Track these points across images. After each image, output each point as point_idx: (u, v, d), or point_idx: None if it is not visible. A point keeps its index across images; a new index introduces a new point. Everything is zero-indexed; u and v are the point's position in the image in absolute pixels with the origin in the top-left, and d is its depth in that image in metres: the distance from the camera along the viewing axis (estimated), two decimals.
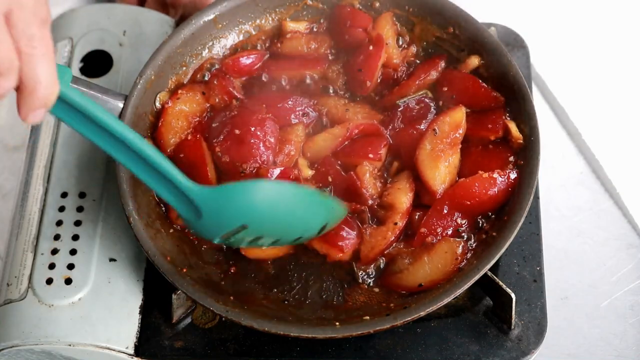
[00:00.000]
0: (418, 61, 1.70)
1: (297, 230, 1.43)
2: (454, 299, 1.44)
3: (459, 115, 1.56)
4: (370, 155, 1.58)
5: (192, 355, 1.52)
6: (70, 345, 1.50)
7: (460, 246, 1.49)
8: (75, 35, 1.80)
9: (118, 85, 1.74)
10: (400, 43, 1.71)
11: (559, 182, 1.79)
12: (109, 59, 1.78)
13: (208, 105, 1.65)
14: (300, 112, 1.62)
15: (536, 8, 2.01)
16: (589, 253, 1.70)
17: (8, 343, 1.51)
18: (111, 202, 1.62)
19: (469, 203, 1.50)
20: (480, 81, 1.61)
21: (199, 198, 1.32)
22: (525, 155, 1.53)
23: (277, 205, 1.36)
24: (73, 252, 1.57)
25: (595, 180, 1.79)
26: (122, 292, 1.55)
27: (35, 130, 1.73)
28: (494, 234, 1.48)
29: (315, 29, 1.74)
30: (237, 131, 1.57)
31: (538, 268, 1.58)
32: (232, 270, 1.55)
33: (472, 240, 1.51)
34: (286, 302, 1.52)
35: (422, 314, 1.41)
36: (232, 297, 1.49)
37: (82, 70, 1.77)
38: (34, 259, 1.57)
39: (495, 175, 1.50)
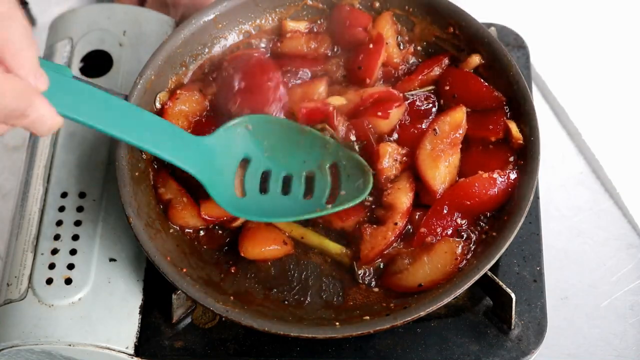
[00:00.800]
0: (420, 60, 1.70)
1: (298, 160, 1.56)
2: (454, 299, 1.43)
3: (460, 115, 1.56)
4: (379, 113, 1.58)
5: (192, 355, 1.52)
6: (70, 345, 1.50)
7: (460, 246, 1.49)
8: (75, 35, 1.80)
9: (118, 85, 1.74)
10: (400, 42, 1.71)
11: (559, 182, 1.79)
12: (109, 59, 1.78)
13: (207, 103, 1.65)
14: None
15: (536, 8, 2.01)
16: (589, 253, 1.71)
17: (8, 343, 1.51)
18: (111, 202, 1.62)
19: (468, 203, 1.50)
20: (482, 80, 1.61)
21: (207, 144, 1.50)
22: (525, 155, 1.53)
23: (269, 134, 1.56)
24: (73, 252, 1.57)
25: (595, 180, 1.79)
26: (122, 292, 1.55)
27: None
28: (494, 234, 1.48)
29: (315, 29, 1.74)
30: (243, 83, 1.60)
31: (538, 268, 1.58)
32: (232, 270, 1.55)
33: (472, 241, 1.51)
34: (286, 302, 1.52)
35: (422, 314, 1.41)
36: (232, 297, 1.49)
37: (82, 70, 1.77)
38: (34, 259, 1.57)
39: (495, 175, 1.50)
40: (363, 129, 1.58)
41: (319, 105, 1.59)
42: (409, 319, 1.41)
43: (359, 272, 1.52)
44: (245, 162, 1.56)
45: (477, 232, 1.52)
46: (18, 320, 1.51)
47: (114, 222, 1.61)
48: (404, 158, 1.56)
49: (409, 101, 1.63)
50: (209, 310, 1.49)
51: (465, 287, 1.42)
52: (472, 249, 1.50)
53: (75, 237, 1.59)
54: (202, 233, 1.57)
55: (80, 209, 1.62)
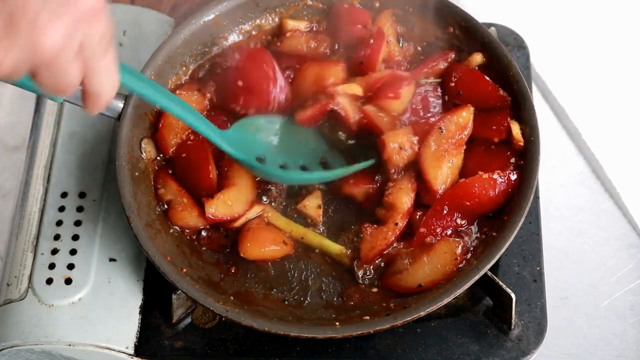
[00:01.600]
0: (421, 57, 1.70)
1: (308, 150, 1.61)
2: (454, 299, 1.44)
3: (467, 115, 1.55)
4: (390, 95, 1.58)
5: (192, 355, 1.52)
6: (70, 345, 1.50)
7: (460, 246, 1.49)
8: None
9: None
10: (400, 38, 1.71)
11: (559, 182, 1.79)
12: None
13: (207, 103, 1.65)
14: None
15: (536, 8, 2.01)
16: (589, 253, 1.70)
17: (8, 343, 1.51)
18: (111, 202, 1.62)
19: (468, 203, 1.50)
20: (488, 78, 1.61)
21: (228, 138, 1.56)
22: (525, 155, 1.53)
23: (274, 133, 1.62)
24: (73, 252, 1.58)
25: (595, 180, 1.79)
26: (122, 292, 1.55)
27: (35, 130, 1.73)
28: (494, 234, 1.48)
29: (315, 28, 1.74)
30: (240, 83, 1.61)
31: (538, 268, 1.58)
32: (232, 270, 1.55)
33: (472, 241, 1.51)
34: (286, 302, 1.52)
35: (422, 314, 1.41)
36: (232, 297, 1.49)
37: None
38: (34, 259, 1.57)
39: (495, 176, 1.50)
40: (374, 117, 1.58)
41: (316, 110, 1.59)
42: (409, 319, 1.41)
43: (359, 273, 1.52)
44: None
45: (477, 233, 1.52)
46: (18, 320, 1.51)
47: (114, 222, 1.61)
48: (414, 146, 1.55)
49: (422, 89, 1.63)
50: (209, 310, 1.49)
51: (465, 287, 1.42)
52: (472, 249, 1.50)
53: (75, 237, 1.59)
54: (202, 234, 1.57)
55: (80, 209, 1.62)
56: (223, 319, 1.51)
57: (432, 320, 1.53)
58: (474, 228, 1.52)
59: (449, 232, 1.51)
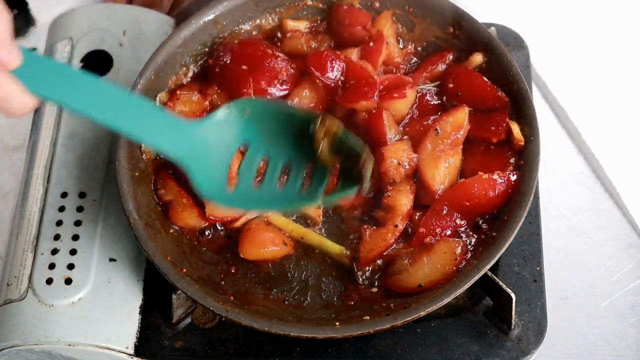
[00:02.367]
0: (420, 60, 1.70)
1: (298, 147, 1.46)
2: (454, 299, 1.43)
3: (462, 115, 1.56)
4: (395, 95, 1.59)
5: (192, 355, 1.52)
6: (70, 345, 1.50)
7: (459, 247, 1.48)
8: (75, 35, 1.80)
9: (118, 85, 1.73)
10: (400, 39, 1.71)
11: (559, 182, 1.79)
12: (109, 59, 1.78)
13: (207, 103, 1.65)
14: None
15: (536, 8, 2.01)
16: (589, 253, 1.71)
17: (8, 343, 1.51)
18: (111, 202, 1.62)
19: (468, 204, 1.50)
20: (486, 79, 1.61)
21: (199, 127, 1.38)
22: (525, 155, 1.53)
23: (268, 120, 1.46)
24: (73, 252, 1.58)
25: (595, 180, 1.79)
26: (122, 292, 1.55)
27: (35, 130, 1.73)
28: (494, 234, 1.48)
29: (315, 29, 1.74)
30: (244, 67, 1.62)
31: (538, 268, 1.58)
32: (232, 270, 1.55)
33: (471, 241, 1.51)
34: (286, 302, 1.52)
35: (422, 314, 1.41)
36: (232, 297, 1.49)
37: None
38: (34, 259, 1.57)
39: (495, 176, 1.50)
40: (378, 119, 1.58)
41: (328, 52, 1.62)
42: (409, 319, 1.41)
43: (359, 273, 1.52)
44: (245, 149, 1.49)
45: (476, 233, 1.52)
46: (18, 320, 1.51)
47: (114, 222, 1.61)
48: (412, 162, 1.55)
49: (418, 95, 1.64)
50: (209, 310, 1.49)
51: (465, 287, 1.42)
52: (472, 249, 1.50)
53: (75, 237, 1.59)
54: (202, 234, 1.57)
55: (80, 209, 1.62)
56: (223, 319, 1.51)
57: (432, 320, 1.53)
58: (474, 229, 1.52)
59: (449, 232, 1.51)
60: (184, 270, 1.49)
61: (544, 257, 1.59)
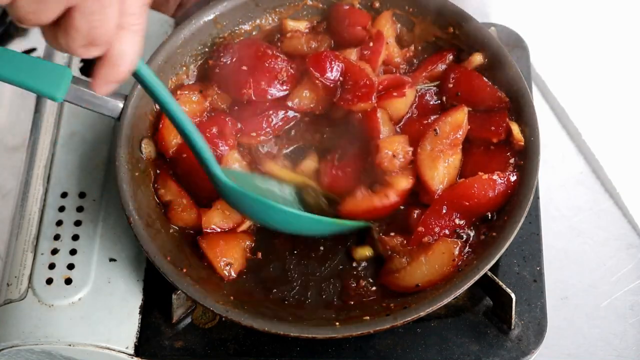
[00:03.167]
0: (420, 60, 1.69)
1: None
2: (454, 299, 1.44)
3: (461, 116, 1.56)
4: (395, 94, 1.59)
5: (192, 355, 1.52)
6: (70, 345, 1.50)
7: (458, 247, 1.48)
8: None
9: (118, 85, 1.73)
10: (400, 40, 1.71)
11: (559, 182, 1.79)
12: None
13: (207, 104, 1.65)
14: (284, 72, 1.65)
15: (536, 8, 2.01)
16: (589, 253, 1.70)
17: (8, 343, 1.51)
18: (111, 202, 1.62)
19: (467, 204, 1.50)
20: (486, 80, 1.61)
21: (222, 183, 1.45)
22: (525, 155, 1.53)
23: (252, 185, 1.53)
24: (73, 252, 1.58)
25: (595, 180, 1.79)
26: (122, 292, 1.55)
27: (35, 130, 1.73)
28: (494, 234, 1.48)
29: (315, 29, 1.74)
30: (244, 67, 1.62)
31: (538, 268, 1.58)
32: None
33: (470, 242, 1.51)
34: (286, 302, 1.52)
35: (422, 314, 1.41)
36: (232, 297, 1.49)
37: (82, 70, 1.77)
38: (34, 259, 1.57)
39: (495, 177, 1.50)
40: (372, 117, 1.58)
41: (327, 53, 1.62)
42: (409, 319, 1.41)
43: (354, 264, 1.54)
44: None
45: (475, 233, 1.52)
46: (18, 320, 1.51)
47: (114, 222, 1.61)
48: (407, 156, 1.56)
49: (418, 94, 1.64)
50: (209, 310, 1.49)
51: (465, 287, 1.42)
52: (470, 250, 1.50)
53: (75, 237, 1.59)
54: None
55: (80, 209, 1.62)
56: (223, 319, 1.51)
57: (432, 320, 1.53)
58: (473, 229, 1.52)
59: (447, 232, 1.51)
60: (184, 270, 1.49)
61: (544, 257, 1.59)
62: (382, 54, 1.66)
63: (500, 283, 1.49)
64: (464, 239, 1.51)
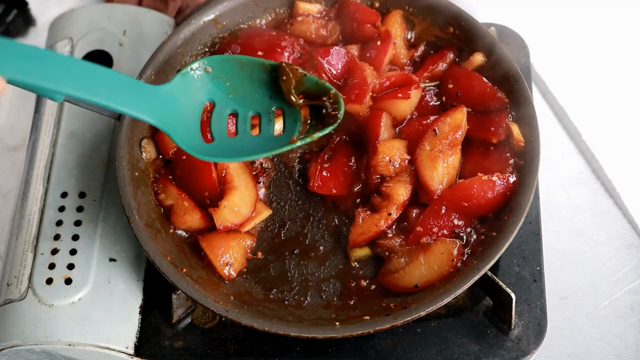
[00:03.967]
0: (421, 60, 1.69)
1: (264, 97, 1.48)
2: (454, 299, 1.44)
3: (460, 116, 1.56)
4: (400, 95, 1.59)
5: (192, 355, 1.52)
6: (70, 345, 1.50)
7: (456, 247, 1.48)
8: (75, 35, 1.80)
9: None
10: (408, 41, 1.71)
11: (559, 182, 1.79)
12: (109, 59, 1.78)
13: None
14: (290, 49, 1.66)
15: (536, 8, 2.01)
16: (589, 253, 1.71)
17: (8, 343, 1.51)
18: (111, 202, 1.62)
19: (466, 204, 1.50)
20: (486, 80, 1.61)
21: (166, 91, 1.39)
22: (525, 155, 1.53)
23: (230, 74, 1.47)
24: (73, 252, 1.58)
25: (595, 180, 1.79)
26: (122, 292, 1.55)
27: (35, 130, 1.73)
28: (494, 234, 1.48)
29: (326, 13, 1.73)
30: (260, 53, 1.64)
31: (538, 268, 1.58)
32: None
33: (469, 242, 1.51)
34: (286, 302, 1.52)
35: (422, 314, 1.41)
36: (232, 297, 1.49)
37: None
38: (34, 259, 1.57)
39: (495, 178, 1.50)
40: (376, 120, 1.59)
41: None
42: (409, 319, 1.41)
43: (354, 264, 1.54)
44: (212, 107, 1.48)
45: (474, 234, 1.52)
46: (18, 320, 1.51)
47: (114, 222, 1.61)
48: (403, 163, 1.56)
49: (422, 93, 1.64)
50: (209, 310, 1.49)
51: (465, 287, 1.42)
52: (469, 250, 1.50)
53: (75, 237, 1.59)
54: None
55: (80, 209, 1.62)
56: (223, 319, 1.51)
57: (432, 320, 1.53)
58: (471, 229, 1.52)
59: (446, 232, 1.51)
60: (184, 270, 1.49)
61: (544, 257, 1.59)
62: (388, 53, 1.66)
63: (500, 283, 1.49)
64: (463, 239, 1.51)
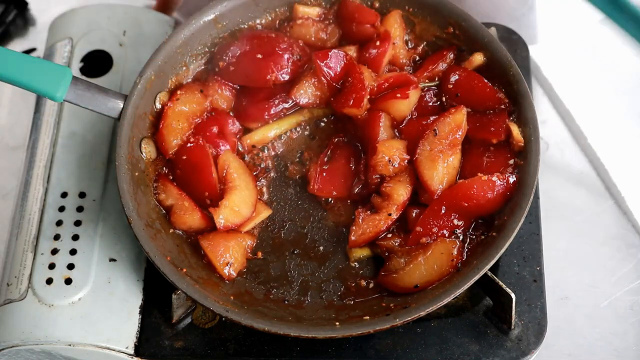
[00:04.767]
0: (421, 60, 1.70)
1: None
2: (454, 299, 1.44)
3: (460, 116, 1.56)
4: (398, 95, 1.59)
5: (192, 355, 1.52)
6: (70, 345, 1.50)
7: (456, 247, 1.48)
8: (75, 35, 1.80)
9: (118, 85, 1.74)
10: (408, 41, 1.71)
11: (559, 182, 1.79)
12: (109, 59, 1.78)
13: (208, 104, 1.65)
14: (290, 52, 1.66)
15: (536, 8, 2.00)
16: (589, 253, 1.71)
17: (8, 343, 1.51)
18: (111, 202, 1.62)
19: (466, 204, 1.50)
20: (486, 80, 1.61)
21: None
22: (525, 155, 1.53)
23: None
24: (73, 252, 1.58)
25: (596, 180, 1.79)
26: (122, 292, 1.55)
27: (35, 130, 1.73)
28: (494, 234, 1.48)
29: (326, 16, 1.73)
30: (259, 55, 1.64)
31: (538, 268, 1.58)
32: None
33: (469, 242, 1.51)
34: (286, 302, 1.52)
35: (422, 314, 1.41)
36: (232, 297, 1.49)
37: (82, 70, 1.77)
38: (34, 259, 1.57)
39: (495, 178, 1.50)
40: (375, 121, 1.59)
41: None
42: (409, 319, 1.41)
43: (353, 264, 1.54)
44: None
45: (474, 234, 1.52)
46: (18, 320, 1.51)
47: (114, 222, 1.61)
48: (402, 163, 1.56)
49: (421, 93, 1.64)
50: (209, 310, 1.49)
51: (465, 287, 1.42)
52: (469, 250, 1.50)
53: (75, 237, 1.59)
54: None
55: (80, 209, 1.62)
56: (223, 319, 1.51)
57: (432, 320, 1.53)
58: (471, 230, 1.52)
59: (446, 232, 1.51)
60: (184, 270, 1.49)
61: (544, 257, 1.59)
62: (387, 54, 1.66)
63: (500, 283, 1.49)
64: (463, 239, 1.51)
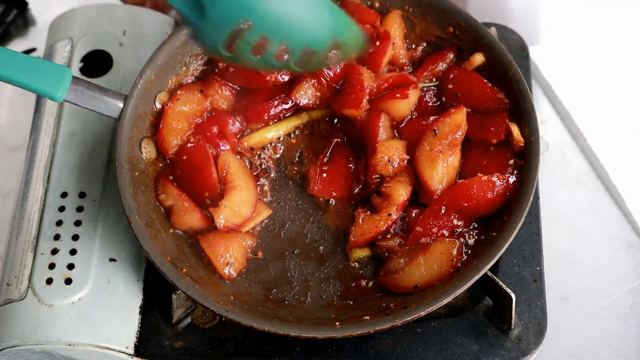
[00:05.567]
0: (421, 60, 1.70)
1: (304, 33, 1.47)
2: (454, 299, 1.44)
3: (459, 116, 1.56)
4: (398, 95, 1.59)
5: (192, 355, 1.52)
6: (70, 345, 1.50)
7: (456, 247, 1.48)
8: (75, 35, 1.80)
9: (118, 85, 1.74)
10: (407, 41, 1.71)
11: (559, 182, 1.79)
12: (109, 59, 1.78)
13: (208, 104, 1.65)
14: None
15: (536, 8, 2.00)
16: (589, 253, 1.70)
17: (8, 343, 1.51)
18: (111, 202, 1.62)
19: (466, 205, 1.50)
20: (486, 81, 1.61)
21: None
22: (525, 155, 1.53)
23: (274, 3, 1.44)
24: (73, 252, 1.58)
25: (596, 180, 1.79)
26: (122, 292, 1.55)
27: (35, 130, 1.73)
28: (494, 234, 1.48)
29: None
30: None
31: (538, 268, 1.58)
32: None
33: (469, 242, 1.51)
34: (286, 302, 1.52)
35: (422, 314, 1.41)
36: (232, 297, 1.49)
37: (82, 70, 1.77)
38: (34, 259, 1.57)
39: (494, 178, 1.50)
40: (374, 121, 1.58)
41: None
42: (409, 319, 1.41)
43: (354, 264, 1.54)
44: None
45: (474, 234, 1.52)
46: (18, 320, 1.51)
47: (114, 222, 1.61)
48: (402, 163, 1.56)
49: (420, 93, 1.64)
50: (209, 310, 1.49)
51: (465, 287, 1.42)
52: (468, 250, 1.50)
53: (75, 237, 1.59)
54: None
55: (80, 209, 1.62)
56: (223, 319, 1.51)
57: (432, 320, 1.53)
58: (471, 230, 1.52)
59: (445, 232, 1.51)
60: (184, 270, 1.49)
61: (544, 257, 1.59)
62: (387, 54, 1.66)
63: (500, 283, 1.49)
64: (463, 239, 1.51)
